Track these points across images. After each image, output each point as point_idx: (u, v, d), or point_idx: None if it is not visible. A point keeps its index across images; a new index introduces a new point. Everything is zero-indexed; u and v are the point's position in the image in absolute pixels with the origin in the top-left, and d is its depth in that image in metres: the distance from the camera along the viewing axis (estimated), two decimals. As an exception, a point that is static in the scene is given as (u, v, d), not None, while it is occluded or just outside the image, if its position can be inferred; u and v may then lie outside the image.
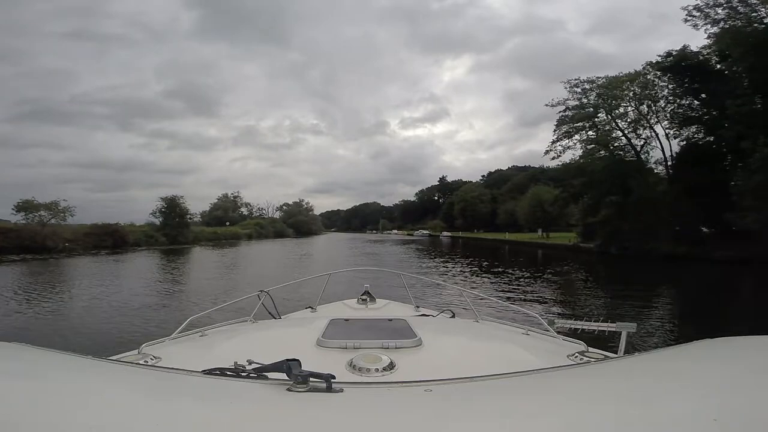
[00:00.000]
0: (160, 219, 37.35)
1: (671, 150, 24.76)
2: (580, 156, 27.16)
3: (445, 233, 70.16)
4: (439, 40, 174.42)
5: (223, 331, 1.69)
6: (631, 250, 21.47)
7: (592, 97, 26.35)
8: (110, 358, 1.15)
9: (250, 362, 0.86)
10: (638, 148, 25.75)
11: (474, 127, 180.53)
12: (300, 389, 0.68)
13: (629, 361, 1.08)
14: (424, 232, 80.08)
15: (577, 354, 1.25)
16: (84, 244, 27.24)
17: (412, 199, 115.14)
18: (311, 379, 0.69)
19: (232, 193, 76.75)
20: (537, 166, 77.77)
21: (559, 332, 1.58)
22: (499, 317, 2.15)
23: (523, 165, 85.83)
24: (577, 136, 27.41)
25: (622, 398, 0.70)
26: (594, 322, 1.64)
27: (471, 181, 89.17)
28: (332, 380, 0.69)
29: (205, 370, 0.83)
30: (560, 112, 27.63)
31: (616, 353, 1.36)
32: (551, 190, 40.42)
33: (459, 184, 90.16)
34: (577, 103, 26.90)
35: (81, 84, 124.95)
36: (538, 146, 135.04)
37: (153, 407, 0.65)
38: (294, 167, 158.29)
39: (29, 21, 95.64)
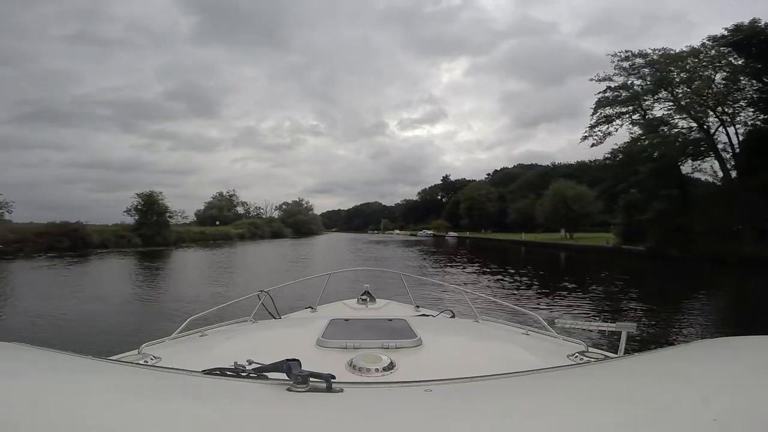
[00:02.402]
0: (136, 217, 33.09)
1: (737, 137, 20.84)
2: (627, 142, 22.93)
3: (450, 233, 66.58)
4: (435, 42, 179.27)
5: (223, 331, 1.67)
6: (698, 252, 17.23)
7: (644, 74, 22.29)
8: (110, 358, 1.14)
9: (250, 362, 0.85)
10: (710, 132, 21.11)
11: (473, 128, 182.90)
12: (300, 389, 0.67)
13: (629, 361, 1.06)
14: (428, 232, 76.83)
15: (577, 354, 1.23)
16: (36, 245, 23.10)
17: (414, 198, 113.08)
18: (311, 379, 0.68)
19: (227, 192, 73.33)
20: (544, 164, 75.37)
21: (559, 332, 1.55)
22: (499, 317, 2.11)
23: (529, 163, 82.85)
24: (618, 121, 23.40)
25: (622, 398, 0.69)
26: (594, 322, 1.62)
27: (475, 180, 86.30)
28: (332, 380, 0.68)
29: (205, 370, 0.82)
30: (600, 92, 24.00)
31: (616, 353, 1.34)
32: (574, 186, 36.44)
33: (463, 183, 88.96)
34: (623, 80, 22.88)
35: (83, 85, 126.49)
36: (537, 146, 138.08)
37: (153, 407, 0.64)
38: (294, 167, 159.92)
39: (32, 24, 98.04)
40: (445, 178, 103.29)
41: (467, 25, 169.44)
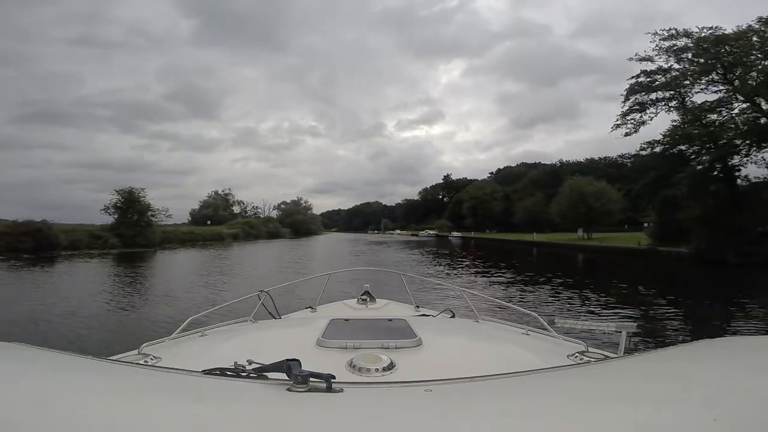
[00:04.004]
0: (115, 216, 30.17)
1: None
2: (668, 130, 20.19)
3: (454, 233, 64.21)
4: (431, 45, 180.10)
5: (223, 331, 1.66)
6: (760, 257, 14.45)
7: (686, 56, 19.67)
8: (110, 358, 1.13)
9: (250, 362, 0.85)
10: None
11: (471, 128, 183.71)
12: (300, 389, 0.67)
13: (629, 361, 1.06)
14: (431, 232, 74.65)
15: (577, 354, 1.22)
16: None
17: (415, 198, 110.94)
18: (311, 379, 0.68)
19: (223, 191, 70.62)
20: (546, 163, 73.80)
21: (559, 332, 1.54)
22: (499, 317, 2.10)
23: (533, 162, 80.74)
24: (652, 109, 20.92)
25: (622, 398, 0.69)
26: (594, 322, 1.61)
27: (476, 180, 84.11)
28: (332, 380, 0.68)
29: (205, 370, 0.82)
30: (633, 77, 21.64)
31: (616, 353, 1.34)
32: (593, 182, 33.73)
33: (465, 183, 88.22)
34: (663, 63, 20.27)
35: (84, 87, 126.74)
36: (535, 147, 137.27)
37: (153, 407, 0.64)
38: (294, 167, 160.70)
39: (34, 26, 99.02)
40: (447, 177, 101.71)
41: (462, 27, 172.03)
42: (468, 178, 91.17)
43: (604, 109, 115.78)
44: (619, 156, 60.50)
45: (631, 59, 21.34)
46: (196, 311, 1.70)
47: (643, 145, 21.28)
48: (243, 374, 0.79)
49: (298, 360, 0.72)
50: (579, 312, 8.22)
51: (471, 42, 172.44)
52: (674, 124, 20.23)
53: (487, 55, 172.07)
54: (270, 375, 0.75)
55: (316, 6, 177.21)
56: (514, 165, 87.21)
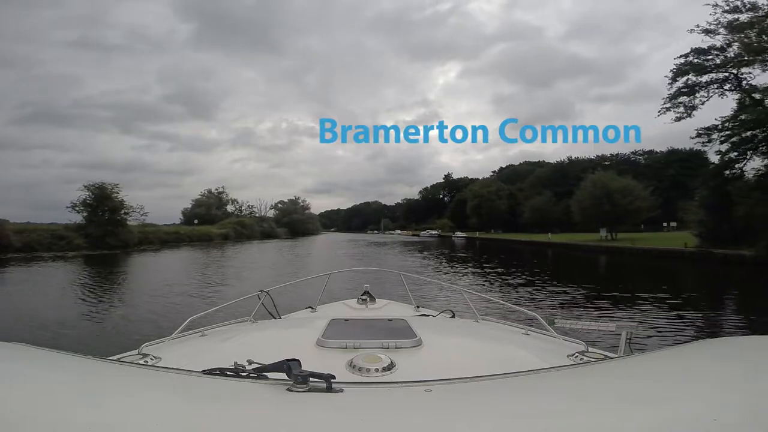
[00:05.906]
0: (84, 214, 27.08)
1: None
2: (731, 115, 17.29)
3: (458, 233, 61.49)
4: (426, 47, 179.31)
5: (223, 331, 1.66)
6: None
7: (748, 34, 17.22)
8: (110, 358, 1.13)
9: (250, 362, 0.85)
10: None
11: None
12: (300, 389, 0.67)
13: (629, 361, 1.06)
14: (433, 232, 72.22)
15: (577, 354, 1.22)
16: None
17: (415, 197, 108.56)
18: (311, 379, 0.68)
19: (216, 189, 67.56)
20: (549, 162, 72.55)
21: (559, 332, 1.54)
22: (499, 317, 2.09)
23: (536, 160, 78.47)
24: (703, 92, 18.82)
25: (622, 398, 0.69)
26: (594, 322, 1.61)
27: (478, 179, 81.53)
28: (332, 380, 0.68)
29: (205, 370, 0.82)
30: (681, 56, 19.71)
31: (616, 353, 1.33)
32: (617, 177, 30.66)
33: (466, 182, 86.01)
34: (719, 42, 17.60)
35: (84, 88, 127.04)
36: (532, 147, 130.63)
37: (153, 407, 0.64)
38: (293, 168, 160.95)
39: (34, 28, 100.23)
40: (448, 177, 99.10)
41: (456, 30, 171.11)
42: (469, 177, 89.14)
43: (599, 110, 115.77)
44: (632, 153, 57.76)
45: (692, 30, 19.02)
46: (197, 311, 1.71)
47: (699, 131, 18.54)
48: (243, 374, 0.79)
49: (298, 360, 0.72)
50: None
51: (465, 44, 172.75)
52: (740, 101, 17.58)
53: (481, 57, 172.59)
54: (270, 375, 0.74)
55: (311, 10, 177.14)
56: (517, 164, 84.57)
